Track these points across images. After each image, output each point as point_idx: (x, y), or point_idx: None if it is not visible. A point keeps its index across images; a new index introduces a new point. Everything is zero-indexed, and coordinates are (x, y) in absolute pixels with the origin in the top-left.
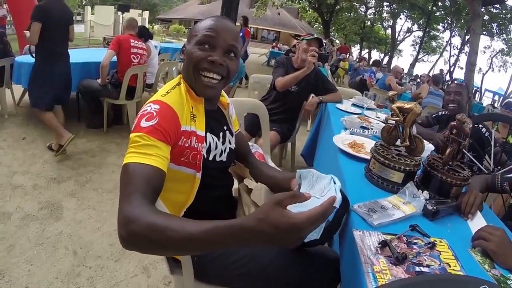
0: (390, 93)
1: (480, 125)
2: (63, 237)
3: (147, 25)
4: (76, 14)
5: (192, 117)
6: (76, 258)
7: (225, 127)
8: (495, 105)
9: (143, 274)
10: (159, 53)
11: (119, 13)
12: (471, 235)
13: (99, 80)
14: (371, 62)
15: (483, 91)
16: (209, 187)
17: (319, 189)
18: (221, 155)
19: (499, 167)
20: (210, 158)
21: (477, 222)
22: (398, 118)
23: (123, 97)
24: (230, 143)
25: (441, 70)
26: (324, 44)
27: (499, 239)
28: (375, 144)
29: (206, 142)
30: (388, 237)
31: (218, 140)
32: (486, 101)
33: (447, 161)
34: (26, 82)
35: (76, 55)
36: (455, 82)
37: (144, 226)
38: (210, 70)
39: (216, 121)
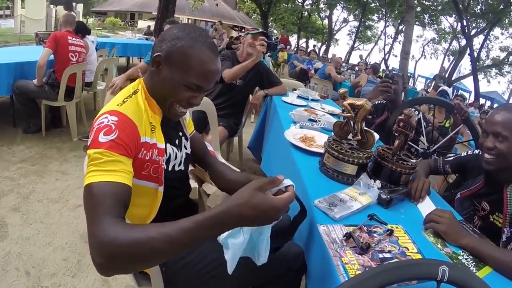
0: (341, 90)
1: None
2: (12, 257)
3: (81, 19)
4: (5, 8)
5: (152, 128)
6: (29, 279)
7: (180, 133)
8: (428, 90)
9: (103, 286)
10: (96, 49)
11: (52, 6)
12: (422, 219)
13: (35, 81)
14: (308, 51)
15: (416, 77)
16: (170, 198)
17: None
18: (180, 164)
19: (433, 145)
20: (170, 168)
21: (427, 206)
22: (349, 114)
23: (62, 98)
24: (186, 148)
25: (361, 56)
26: (268, 38)
27: (448, 220)
28: (328, 139)
29: (166, 154)
30: (351, 229)
31: (177, 149)
32: (420, 86)
33: (395, 152)
34: None
35: (8, 55)
36: (393, 72)
37: (124, 244)
38: (188, 107)
39: (172, 128)
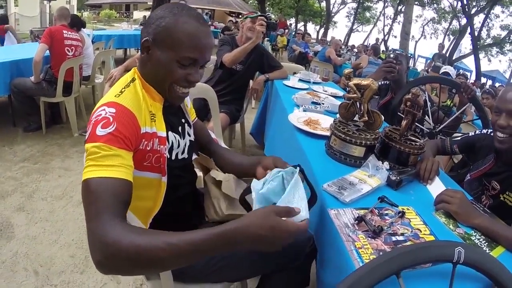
0: (346, 70)
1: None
2: (20, 257)
3: (75, 12)
4: None
5: (151, 117)
6: (38, 278)
7: (182, 120)
8: (429, 70)
9: (112, 281)
10: (92, 42)
11: (45, 2)
12: (432, 200)
13: (32, 78)
14: (302, 34)
15: (416, 57)
16: (174, 188)
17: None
18: (183, 152)
19: (438, 124)
20: (173, 157)
21: (436, 186)
22: (355, 95)
23: (60, 94)
24: (189, 135)
25: (377, 39)
26: (268, 20)
27: (459, 200)
28: (334, 121)
29: (168, 142)
30: (362, 212)
31: (180, 137)
32: (420, 66)
33: (403, 132)
34: None
35: (4, 53)
36: (396, 52)
37: (126, 248)
38: (188, 86)
39: (174, 116)
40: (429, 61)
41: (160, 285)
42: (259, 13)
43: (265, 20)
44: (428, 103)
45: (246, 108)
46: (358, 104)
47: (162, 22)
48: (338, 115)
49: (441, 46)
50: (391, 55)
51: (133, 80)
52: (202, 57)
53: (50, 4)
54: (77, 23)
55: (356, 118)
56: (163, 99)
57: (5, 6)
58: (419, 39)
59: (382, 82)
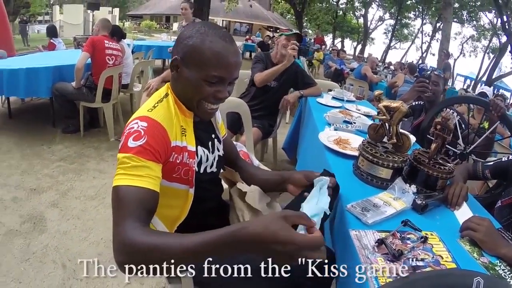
0: (376, 92)
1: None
2: (50, 250)
3: (117, 23)
4: (44, 14)
5: (182, 131)
6: (65, 271)
7: (213, 135)
8: (468, 89)
9: (136, 282)
10: (132, 52)
11: (89, 11)
12: (458, 226)
13: (73, 84)
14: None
15: (455, 76)
16: (201, 200)
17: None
18: (211, 166)
19: (469, 145)
20: (201, 171)
21: (464, 212)
22: (384, 117)
23: (99, 100)
24: (218, 151)
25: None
26: (303, 39)
27: (486, 228)
28: (362, 141)
29: (197, 156)
30: (383, 235)
31: (209, 151)
32: (458, 85)
33: (432, 156)
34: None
35: (48, 58)
36: (434, 72)
37: (141, 248)
38: (216, 102)
39: (204, 131)
40: (468, 80)
41: None
42: (295, 31)
43: (297, 44)
44: (462, 125)
45: (280, 123)
46: (387, 125)
47: (189, 41)
48: (367, 136)
49: (446, 54)
50: (430, 74)
51: (166, 95)
52: (229, 75)
53: (94, 13)
54: (116, 33)
55: (385, 139)
56: (193, 115)
57: (50, 13)
58: (458, 57)
59: (417, 103)
